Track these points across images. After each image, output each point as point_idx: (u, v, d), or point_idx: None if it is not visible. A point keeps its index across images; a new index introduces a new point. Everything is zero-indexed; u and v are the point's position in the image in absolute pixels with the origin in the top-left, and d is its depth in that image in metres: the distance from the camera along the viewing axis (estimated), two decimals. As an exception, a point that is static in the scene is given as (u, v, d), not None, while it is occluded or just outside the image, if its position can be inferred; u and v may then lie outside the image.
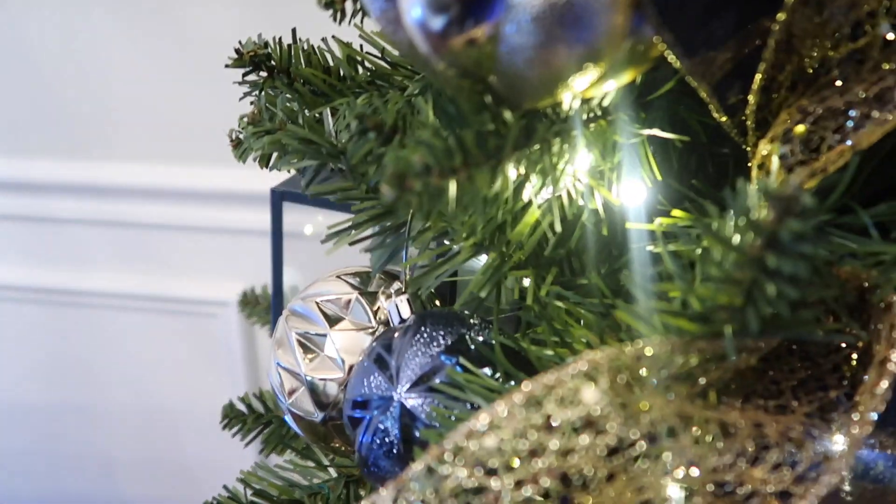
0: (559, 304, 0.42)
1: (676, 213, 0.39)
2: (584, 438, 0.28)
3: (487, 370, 0.40)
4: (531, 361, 0.41)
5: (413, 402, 0.39)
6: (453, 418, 0.36)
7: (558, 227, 0.38)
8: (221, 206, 1.30)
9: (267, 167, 0.49)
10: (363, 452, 0.41)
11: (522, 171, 0.37)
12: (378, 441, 0.40)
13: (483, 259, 0.48)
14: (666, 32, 0.33)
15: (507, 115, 0.33)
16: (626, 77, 0.36)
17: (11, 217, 1.38)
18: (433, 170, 0.32)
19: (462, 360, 0.39)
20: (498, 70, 0.35)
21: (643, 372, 0.28)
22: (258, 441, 0.73)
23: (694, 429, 0.28)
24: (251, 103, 0.48)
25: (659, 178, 0.40)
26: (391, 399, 0.40)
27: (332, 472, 0.55)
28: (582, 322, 0.42)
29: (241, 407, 0.61)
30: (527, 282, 0.45)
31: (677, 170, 0.42)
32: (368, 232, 0.48)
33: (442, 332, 0.41)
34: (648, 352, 0.28)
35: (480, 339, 0.41)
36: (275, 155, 0.48)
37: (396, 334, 0.43)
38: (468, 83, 0.35)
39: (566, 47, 0.34)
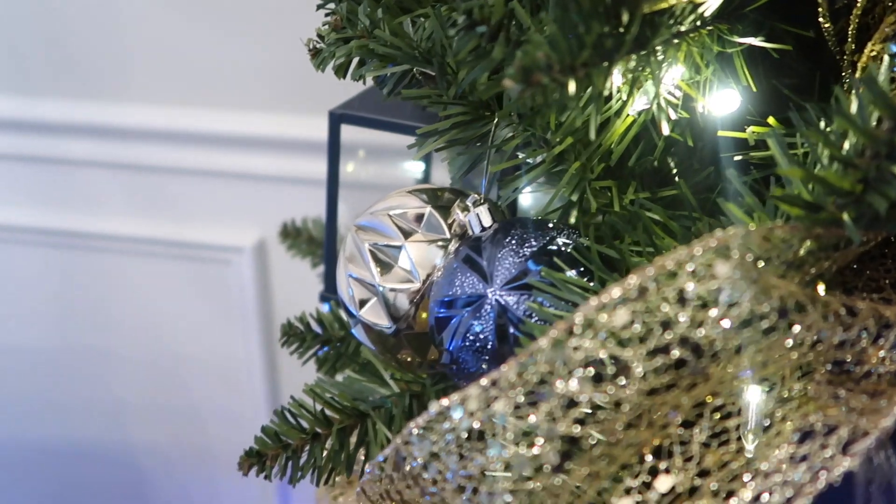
0: (647, 213, 0.43)
1: (771, 120, 0.40)
2: (715, 311, 0.28)
3: (573, 273, 0.41)
4: (617, 268, 0.42)
5: (509, 299, 0.40)
6: (555, 313, 0.37)
7: (666, 131, 0.39)
8: (238, 151, 1.29)
9: (343, 77, 0.49)
10: (452, 351, 0.42)
11: (628, 76, 0.38)
12: (470, 339, 0.41)
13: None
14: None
15: (625, 16, 0.34)
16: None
17: (22, 158, 1.37)
18: (555, 67, 0.32)
19: (556, 260, 0.40)
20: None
21: (768, 252, 0.29)
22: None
23: (821, 305, 0.29)
24: (332, 12, 0.48)
25: (754, 88, 0.41)
26: (484, 297, 0.41)
27: (394, 387, 0.56)
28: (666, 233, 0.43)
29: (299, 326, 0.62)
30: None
31: (765, 82, 0.43)
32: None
33: (533, 235, 0.41)
34: (778, 233, 0.29)
35: (571, 242, 0.42)
36: (353, 63, 0.48)
37: (483, 238, 0.44)
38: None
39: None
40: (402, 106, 0.62)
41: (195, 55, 1.24)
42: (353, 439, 0.53)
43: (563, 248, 0.41)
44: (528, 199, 0.55)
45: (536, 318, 0.39)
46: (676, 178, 0.49)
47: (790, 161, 0.33)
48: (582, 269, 0.41)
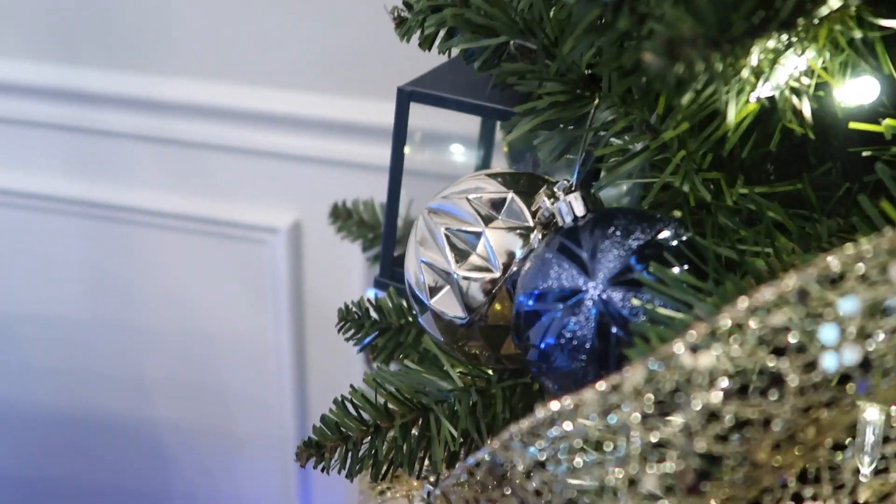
0: (761, 208, 0.39)
1: (912, 113, 0.36)
2: (889, 321, 0.25)
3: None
4: (731, 268, 0.39)
5: (613, 295, 0.36)
6: (669, 313, 0.34)
7: (803, 117, 0.35)
8: (279, 131, 1.27)
9: (429, 49, 0.45)
10: (545, 349, 0.38)
11: (765, 56, 0.34)
12: (566, 337, 0.37)
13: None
14: None
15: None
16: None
17: (60, 127, 1.35)
18: (701, 41, 0.29)
19: (666, 255, 0.37)
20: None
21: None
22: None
23: None
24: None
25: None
26: (585, 292, 0.37)
27: (458, 381, 0.53)
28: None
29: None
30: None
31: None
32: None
33: (639, 227, 0.38)
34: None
35: (681, 237, 0.38)
36: (441, 35, 0.45)
37: (580, 228, 0.40)
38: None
39: None
40: (475, 87, 0.59)
41: (242, 32, 1.22)
42: (415, 434, 0.50)
43: (672, 243, 0.38)
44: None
45: (644, 318, 0.36)
46: (779, 174, 0.45)
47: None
48: (691, 267, 0.37)
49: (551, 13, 0.42)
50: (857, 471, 0.27)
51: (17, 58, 1.31)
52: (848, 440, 0.28)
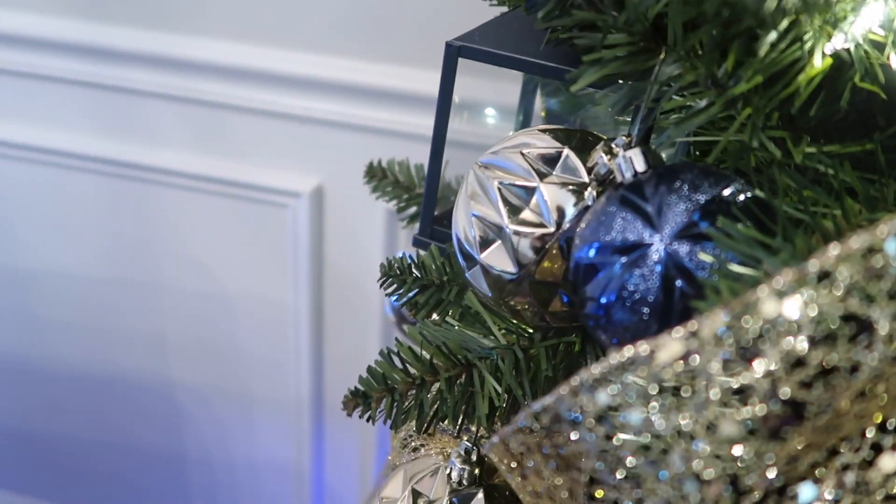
0: (828, 169, 0.39)
1: None
2: None
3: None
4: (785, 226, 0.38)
5: (680, 248, 0.36)
6: (739, 269, 0.33)
7: (883, 72, 0.35)
8: (303, 94, 1.27)
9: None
10: (607, 302, 0.38)
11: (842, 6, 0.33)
12: (629, 290, 0.37)
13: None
14: None
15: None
16: None
17: (84, 83, 1.35)
18: None
19: (734, 210, 0.36)
20: None
21: None
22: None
23: None
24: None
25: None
26: (650, 245, 0.37)
27: (500, 339, 0.53)
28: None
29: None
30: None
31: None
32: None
33: (705, 182, 0.37)
34: None
35: (748, 193, 0.38)
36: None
37: (644, 181, 0.40)
38: None
39: None
40: (523, 45, 0.58)
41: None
42: (458, 389, 0.50)
43: (739, 199, 0.37)
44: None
45: (711, 272, 0.35)
46: (846, 134, 0.45)
47: None
48: (758, 224, 0.37)
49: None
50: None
51: (44, 13, 1.30)
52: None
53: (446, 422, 0.49)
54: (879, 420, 0.27)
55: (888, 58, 0.37)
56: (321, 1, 1.20)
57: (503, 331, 0.53)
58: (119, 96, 1.34)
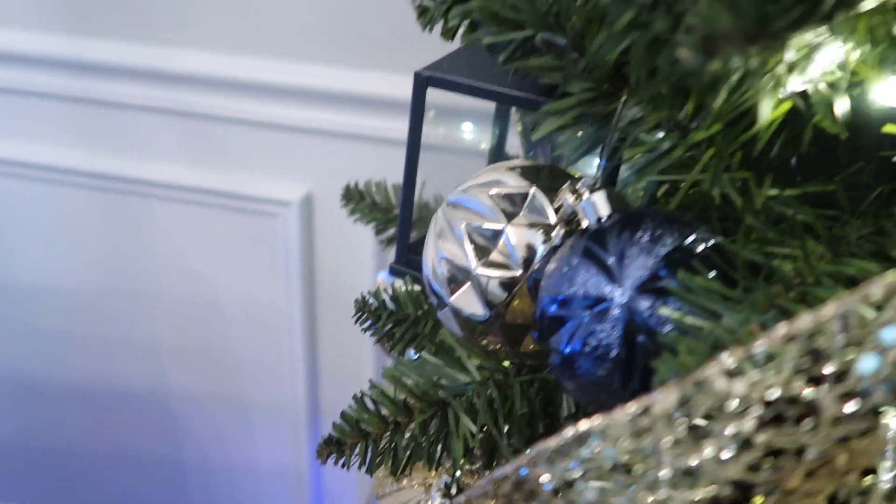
0: (789, 211, 0.38)
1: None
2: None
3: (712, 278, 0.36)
4: (759, 274, 0.38)
5: (641, 304, 0.36)
6: (699, 323, 0.33)
7: (839, 113, 0.34)
8: (291, 103, 1.26)
9: (451, 40, 0.44)
10: (568, 356, 0.38)
11: (802, 51, 0.33)
12: (591, 345, 0.37)
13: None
14: None
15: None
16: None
17: (72, 98, 1.35)
18: (738, 36, 0.28)
19: (695, 264, 0.36)
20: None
21: None
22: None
23: None
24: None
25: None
26: (612, 300, 0.37)
27: (475, 374, 0.52)
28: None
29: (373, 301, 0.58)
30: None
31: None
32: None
33: (667, 231, 0.37)
34: None
35: (709, 242, 0.37)
36: (463, 27, 0.44)
37: (606, 231, 0.39)
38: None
39: None
40: (495, 70, 0.58)
41: (254, 3, 1.20)
42: (433, 429, 0.50)
43: (700, 249, 0.37)
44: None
45: (671, 329, 0.35)
46: (807, 173, 0.44)
47: None
48: (720, 273, 0.36)
49: (580, 5, 0.41)
50: (889, 496, 0.27)
51: (31, 29, 1.30)
52: (879, 463, 0.28)
53: (422, 463, 0.49)
54: (828, 496, 0.27)
55: (839, 101, 0.37)
56: (306, 10, 1.19)
57: (478, 366, 0.53)
58: (107, 110, 1.34)
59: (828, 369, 0.25)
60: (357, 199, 0.76)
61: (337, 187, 0.85)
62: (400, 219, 0.61)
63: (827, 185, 0.38)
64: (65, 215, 1.45)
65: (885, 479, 0.29)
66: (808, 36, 0.32)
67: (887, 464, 0.29)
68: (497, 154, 0.77)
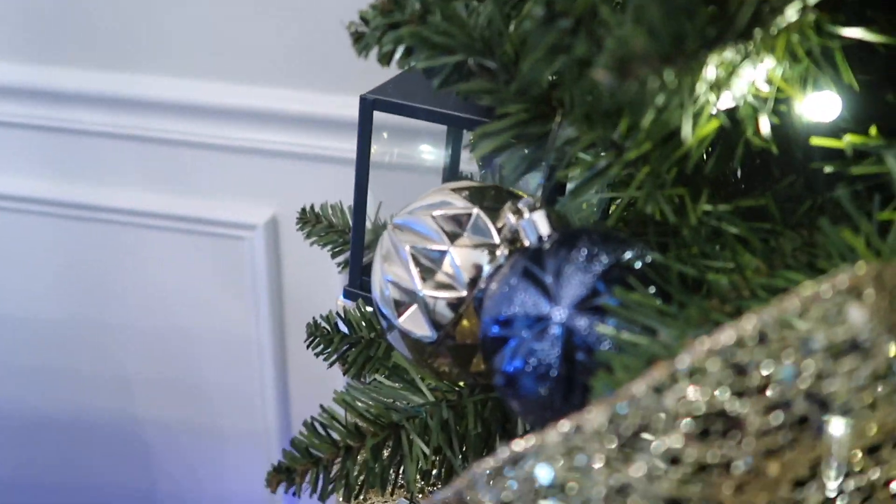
0: (723, 226, 0.39)
1: (873, 131, 0.36)
2: (847, 362, 0.25)
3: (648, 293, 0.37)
4: (694, 287, 0.38)
5: (578, 322, 0.36)
6: (633, 339, 0.33)
7: (762, 130, 0.35)
8: (253, 126, 1.26)
9: (388, 65, 0.44)
10: (511, 375, 0.38)
11: (721, 69, 0.34)
12: (532, 364, 0.37)
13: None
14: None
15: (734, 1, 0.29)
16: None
17: (33, 127, 1.34)
18: (654, 57, 0.28)
19: (631, 280, 0.36)
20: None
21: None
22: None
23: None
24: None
25: (856, 87, 0.36)
26: (550, 319, 0.37)
27: (429, 395, 0.52)
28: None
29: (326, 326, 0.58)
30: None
31: (867, 86, 0.38)
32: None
33: (602, 249, 0.37)
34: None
35: (644, 258, 0.38)
36: (400, 51, 0.44)
37: (545, 250, 0.40)
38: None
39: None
40: (439, 92, 0.58)
41: (213, 27, 1.20)
42: (387, 452, 0.50)
43: (637, 265, 0.37)
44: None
45: (609, 345, 0.35)
46: (744, 187, 0.45)
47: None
48: (657, 289, 0.37)
49: (511, 29, 0.41)
50: (821, 505, 0.27)
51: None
52: (810, 475, 0.28)
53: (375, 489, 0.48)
54: (761, 508, 0.27)
55: (763, 118, 0.37)
56: (266, 34, 1.20)
57: (431, 387, 0.53)
58: (69, 138, 1.33)
59: (750, 382, 0.25)
60: (313, 222, 0.76)
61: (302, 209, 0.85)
62: (352, 242, 0.61)
63: (760, 199, 0.39)
64: (29, 244, 1.43)
65: (830, 487, 0.29)
66: (728, 54, 0.33)
67: (831, 472, 0.29)
68: (451, 173, 0.78)
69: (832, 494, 0.30)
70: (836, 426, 0.30)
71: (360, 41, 0.44)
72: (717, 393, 0.25)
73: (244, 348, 1.44)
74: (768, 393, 0.25)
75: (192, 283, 1.41)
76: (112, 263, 1.42)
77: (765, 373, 0.25)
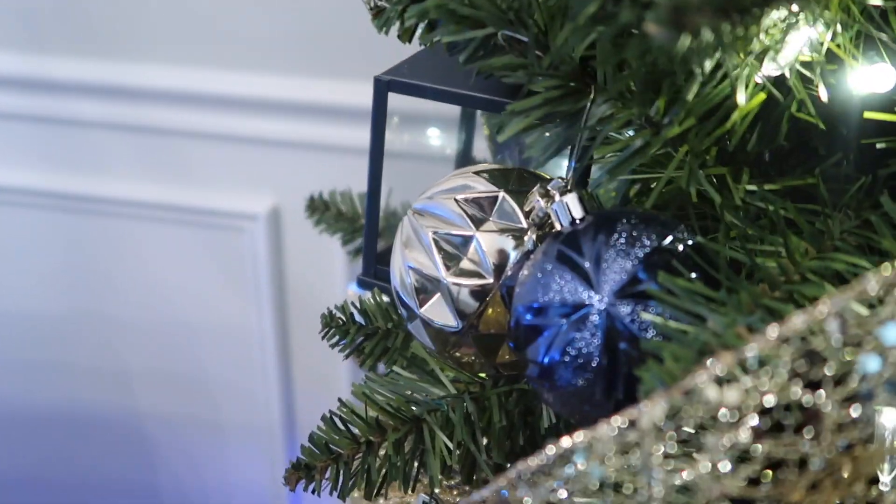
0: (769, 206, 0.37)
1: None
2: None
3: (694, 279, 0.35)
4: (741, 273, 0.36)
5: (622, 310, 0.34)
6: (683, 327, 0.31)
7: (806, 104, 0.33)
8: (253, 115, 1.24)
9: (409, 41, 0.42)
10: (546, 367, 0.36)
11: (774, 30, 0.31)
12: (570, 354, 0.35)
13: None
14: None
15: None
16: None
17: (29, 117, 1.31)
18: (708, 8, 0.26)
19: (674, 264, 0.34)
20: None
21: None
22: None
23: None
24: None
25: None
26: (591, 307, 0.35)
27: (450, 387, 0.50)
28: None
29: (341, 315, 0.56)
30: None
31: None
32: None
33: (644, 232, 0.35)
34: None
35: (688, 241, 0.35)
36: (421, 27, 0.42)
37: (581, 233, 0.38)
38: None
39: None
40: (458, 73, 0.56)
41: (211, 14, 1.18)
42: (408, 447, 0.48)
43: (680, 249, 0.35)
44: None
45: (654, 334, 0.33)
46: (785, 166, 0.43)
47: None
48: (702, 274, 0.35)
49: (542, 1, 0.39)
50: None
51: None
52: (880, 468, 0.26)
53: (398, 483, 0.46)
54: (834, 507, 0.25)
55: (819, 84, 0.35)
56: (266, 20, 1.17)
57: (453, 378, 0.51)
58: (66, 129, 1.31)
59: (826, 372, 0.23)
60: (322, 210, 0.74)
61: (304, 198, 0.83)
62: (366, 229, 0.59)
63: (807, 179, 0.37)
64: (26, 237, 1.41)
65: (884, 480, 0.27)
66: (779, 14, 0.31)
67: (886, 466, 0.27)
68: (464, 159, 0.75)
69: (885, 489, 0.28)
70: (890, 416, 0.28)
71: (380, 16, 0.42)
72: (789, 384, 0.23)
73: (246, 341, 1.42)
74: (847, 384, 0.22)
75: (193, 274, 1.39)
76: (111, 256, 1.40)
77: (843, 362, 0.23)
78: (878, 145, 0.36)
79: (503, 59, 0.38)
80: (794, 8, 0.31)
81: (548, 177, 0.46)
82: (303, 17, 1.17)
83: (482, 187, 0.46)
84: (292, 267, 1.36)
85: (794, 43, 0.33)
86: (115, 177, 1.33)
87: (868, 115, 0.35)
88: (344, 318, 0.55)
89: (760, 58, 0.33)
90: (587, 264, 0.35)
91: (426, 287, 0.46)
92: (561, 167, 0.52)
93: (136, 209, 1.34)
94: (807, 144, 0.40)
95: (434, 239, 0.45)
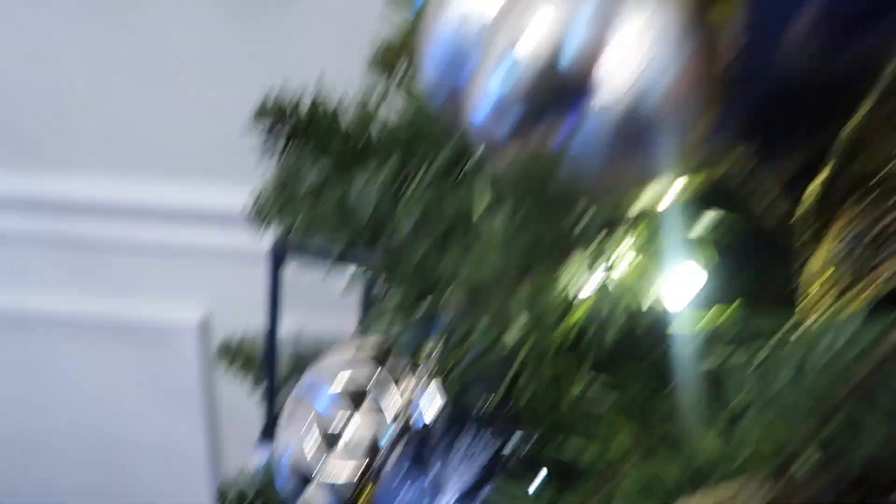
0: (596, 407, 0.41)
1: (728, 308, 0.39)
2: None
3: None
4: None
5: (463, 514, 0.37)
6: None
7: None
8: (180, 224, 1.23)
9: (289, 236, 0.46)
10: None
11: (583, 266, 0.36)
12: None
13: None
14: (746, 140, 0.33)
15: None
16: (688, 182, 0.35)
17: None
18: (504, 279, 0.31)
19: (512, 467, 0.38)
20: (559, 176, 0.34)
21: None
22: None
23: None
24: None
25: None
26: (436, 510, 0.38)
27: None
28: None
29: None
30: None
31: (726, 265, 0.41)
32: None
33: (486, 438, 0.39)
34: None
35: (525, 443, 0.39)
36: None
37: (433, 431, 0.41)
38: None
39: (640, 160, 0.33)
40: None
41: (132, 124, 1.17)
42: None
43: (517, 452, 0.39)
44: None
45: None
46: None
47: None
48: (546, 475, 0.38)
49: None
50: None
51: None
52: None
53: None
54: None
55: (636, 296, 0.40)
56: (188, 129, 1.17)
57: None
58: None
59: None
60: (231, 356, 0.76)
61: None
62: (266, 396, 0.60)
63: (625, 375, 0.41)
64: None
65: None
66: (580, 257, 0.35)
67: None
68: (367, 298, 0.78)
69: None
70: None
71: (261, 213, 0.46)
72: None
73: (178, 454, 1.41)
74: None
75: (121, 389, 1.37)
76: (40, 372, 1.38)
77: None
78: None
79: (367, 264, 0.42)
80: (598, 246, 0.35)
81: (419, 358, 0.50)
82: (227, 125, 1.17)
83: (362, 367, 0.49)
84: (224, 378, 1.36)
85: (599, 270, 0.38)
86: (37, 290, 1.31)
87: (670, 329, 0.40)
88: (239, 497, 0.57)
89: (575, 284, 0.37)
90: (434, 470, 0.39)
91: (308, 467, 0.48)
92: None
93: (61, 325, 1.32)
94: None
95: (313, 421, 0.48)
